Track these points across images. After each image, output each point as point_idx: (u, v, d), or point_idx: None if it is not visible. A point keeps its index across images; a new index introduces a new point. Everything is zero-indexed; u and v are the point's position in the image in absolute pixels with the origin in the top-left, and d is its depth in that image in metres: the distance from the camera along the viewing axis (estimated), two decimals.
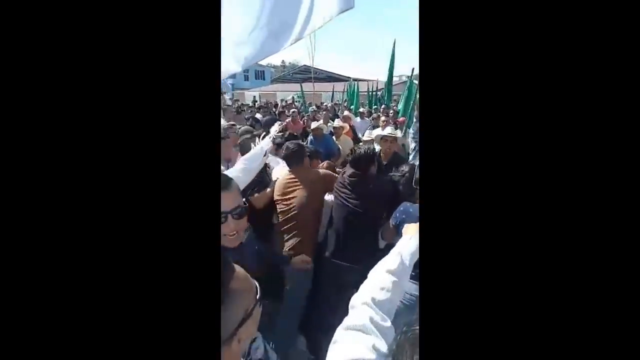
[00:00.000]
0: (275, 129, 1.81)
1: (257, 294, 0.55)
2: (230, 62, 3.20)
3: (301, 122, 4.84)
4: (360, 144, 2.78)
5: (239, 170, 1.54)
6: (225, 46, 3.23)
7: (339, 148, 3.42)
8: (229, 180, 1.01)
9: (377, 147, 2.59)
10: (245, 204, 1.03)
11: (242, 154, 2.10)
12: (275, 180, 1.98)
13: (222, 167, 1.68)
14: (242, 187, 1.60)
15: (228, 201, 0.96)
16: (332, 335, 0.65)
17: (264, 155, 1.66)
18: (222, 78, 3.84)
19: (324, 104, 9.03)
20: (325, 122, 4.29)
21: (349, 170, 1.84)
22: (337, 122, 3.98)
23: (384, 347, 0.59)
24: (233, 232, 0.98)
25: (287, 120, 4.35)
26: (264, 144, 1.69)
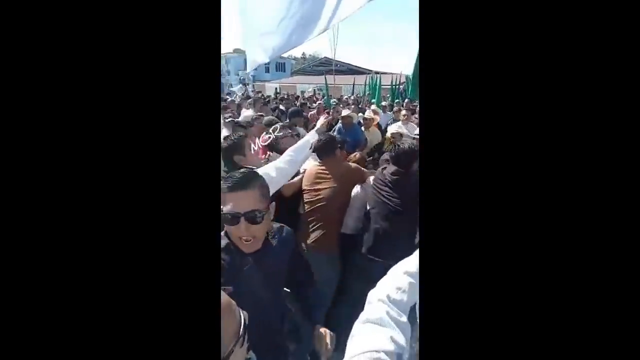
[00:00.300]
0: (321, 121, 1.79)
1: (241, 327, 0.48)
2: (258, 52, 3.20)
3: (326, 114, 4.85)
4: (404, 139, 2.75)
5: (285, 161, 1.53)
6: (253, 37, 3.25)
7: (366, 139, 3.41)
8: (251, 178, 0.92)
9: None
10: (267, 209, 0.93)
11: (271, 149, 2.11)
12: (305, 171, 1.98)
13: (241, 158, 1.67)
14: (285, 179, 1.60)
15: (243, 202, 0.87)
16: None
17: (310, 148, 1.64)
18: (249, 69, 3.88)
19: (344, 97, 8.96)
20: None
21: (390, 167, 1.81)
22: (368, 113, 3.95)
23: (401, 340, 0.60)
24: (247, 236, 0.89)
25: (311, 112, 4.35)
26: (310, 137, 1.67)
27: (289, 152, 1.59)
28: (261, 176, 0.97)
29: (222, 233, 0.95)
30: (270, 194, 1.58)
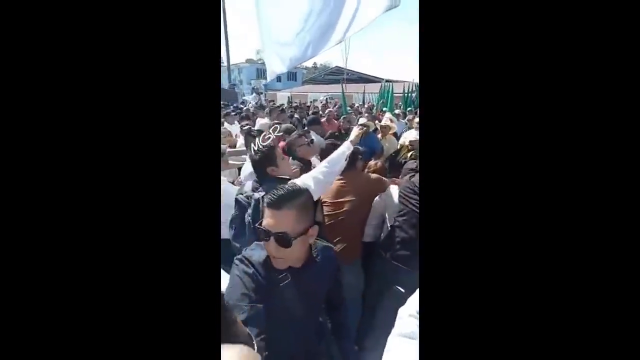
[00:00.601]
0: (355, 132, 1.80)
1: None
2: (277, 63, 3.31)
3: (336, 123, 4.88)
4: None
5: (322, 173, 1.54)
6: (271, 47, 3.36)
7: (382, 146, 3.42)
8: (291, 198, 0.85)
9: None
10: (305, 232, 0.85)
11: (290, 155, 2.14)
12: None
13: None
14: (322, 191, 1.60)
15: (276, 221, 0.83)
16: (377, 333, 0.69)
17: (345, 159, 1.63)
18: (269, 79, 3.99)
19: (356, 105, 9.01)
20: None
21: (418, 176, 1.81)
22: (385, 121, 3.98)
23: None
24: (276, 256, 0.86)
25: (322, 120, 4.40)
26: (345, 148, 1.66)
27: (325, 164, 1.60)
28: (304, 195, 0.90)
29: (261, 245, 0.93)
30: None
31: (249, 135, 2.50)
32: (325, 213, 1.91)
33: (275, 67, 3.34)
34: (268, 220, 0.84)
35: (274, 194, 0.86)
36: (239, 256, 0.97)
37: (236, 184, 2.34)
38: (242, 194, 1.67)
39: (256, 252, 0.94)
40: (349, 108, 6.95)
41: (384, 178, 2.04)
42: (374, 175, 2.05)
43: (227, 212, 1.92)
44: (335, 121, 4.98)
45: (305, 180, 1.56)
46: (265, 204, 0.86)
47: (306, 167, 2.16)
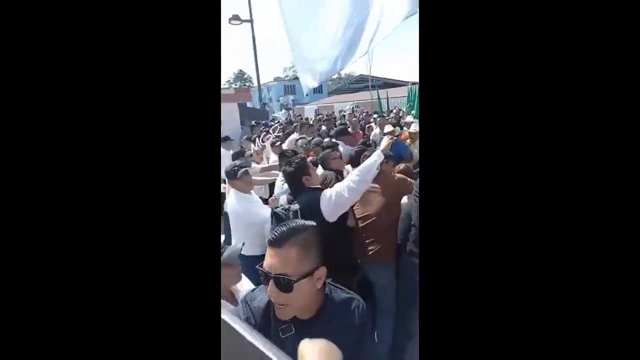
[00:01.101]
0: (385, 142, 1.84)
1: None
2: (309, 78, 3.53)
3: (361, 132, 4.93)
4: None
5: (355, 181, 1.60)
6: (303, 65, 3.60)
7: (411, 152, 3.42)
8: (292, 234, 0.74)
9: None
10: (307, 274, 0.73)
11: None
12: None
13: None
14: (355, 199, 1.64)
15: (275, 261, 0.73)
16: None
17: (377, 168, 1.67)
18: (305, 92, 4.21)
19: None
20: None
21: None
22: (414, 127, 3.98)
23: None
24: (278, 303, 0.74)
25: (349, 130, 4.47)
26: (376, 157, 1.69)
27: (357, 172, 1.66)
28: (308, 231, 0.78)
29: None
30: (341, 213, 1.62)
31: (284, 156, 2.65)
32: (356, 216, 1.97)
33: (308, 82, 3.57)
34: (268, 260, 0.74)
35: (276, 231, 0.76)
36: (243, 297, 0.89)
37: (270, 201, 2.47)
38: (278, 207, 1.77)
39: (259, 296, 0.84)
40: (378, 113, 7.00)
41: (408, 179, 2.05)
42: (398, 176, 2.09)
43: (251, 229, 2.04)
44: (361, 131, 5.02)
45: (338, 190, 1.62)
46: (267, 243, 0.77)
47: (339, 176, 2.26)
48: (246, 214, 2.14)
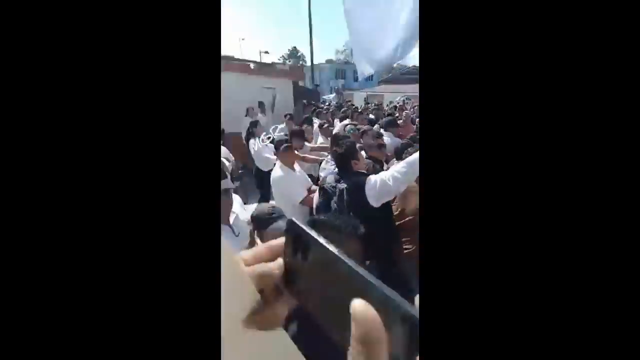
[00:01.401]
0: None
1: None
2: (365, 65, 3.55)
3: (413, 126, 4.84)
4: None
5: (400, 172, 1.67)
6: (360, 51, 3.62)
7: None
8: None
9: None
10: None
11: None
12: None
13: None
14: (399, 190, 1.71)
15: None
16: None
17: None
18: (360, 78, 4.27)
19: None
20: None
21: None
22: None
23: None
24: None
25: (399, 121, 4.42)
26: None
27: (403, 164, 1.73)
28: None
29: None
30: (384, 201, 1.69)
31: (337, 138, 2.80)
32: (394, 212, 2.00)
33: (364, 68, 3.59)
34: None
35: None
36: None
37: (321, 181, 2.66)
38: (327, 184, 1.93)
39: None
40: None
41: None
42: None
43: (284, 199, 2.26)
44: (413, 125, 4.94)
45: (383, 177, 1.73)
46: None
47: (379, 166, 2.35)
48: (282, 186, 2.45)
